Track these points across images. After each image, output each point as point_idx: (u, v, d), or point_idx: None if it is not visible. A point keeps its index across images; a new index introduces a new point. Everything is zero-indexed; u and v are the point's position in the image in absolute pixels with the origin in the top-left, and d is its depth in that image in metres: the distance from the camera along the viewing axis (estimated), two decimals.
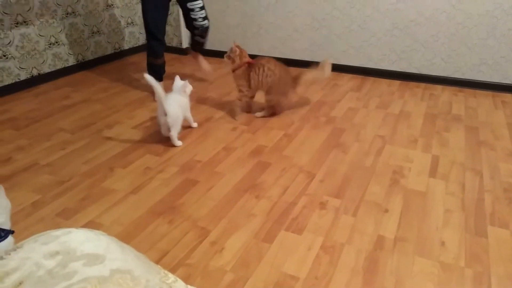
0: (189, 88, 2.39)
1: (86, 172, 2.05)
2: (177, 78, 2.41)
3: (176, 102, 2.26)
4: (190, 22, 2.86)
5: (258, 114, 2.67)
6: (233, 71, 2.61)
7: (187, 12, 2.80)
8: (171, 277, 0.91)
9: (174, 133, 2.26)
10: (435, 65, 3.19)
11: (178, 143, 2.29)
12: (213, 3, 3.80)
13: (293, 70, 2.73)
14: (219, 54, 3.94)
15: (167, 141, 2.33)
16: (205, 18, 2.84)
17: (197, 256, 1.50)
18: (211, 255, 1.51)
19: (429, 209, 1.76)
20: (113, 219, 1.71)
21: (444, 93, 3.04)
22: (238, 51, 2.55)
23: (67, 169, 2.08)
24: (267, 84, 2.53)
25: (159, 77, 2.98)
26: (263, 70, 2.51)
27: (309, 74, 2.62)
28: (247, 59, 2.58)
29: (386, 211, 1.75)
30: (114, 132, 2.46)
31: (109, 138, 2.39)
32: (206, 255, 1.51)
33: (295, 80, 2.62)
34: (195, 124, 2.51)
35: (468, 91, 3.09)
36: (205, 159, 2.16)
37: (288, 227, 1.66)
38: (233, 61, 2.58)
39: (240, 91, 2.62)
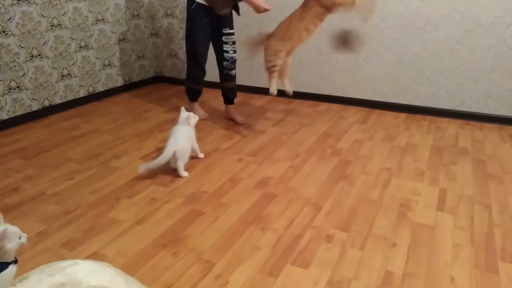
0: (194, 119, 2.42)
1: (92, 202, 2.05)
2: (183, 109, 2.46)
3: (183, 134, 2.30)
4: (221, 54, 2.99)
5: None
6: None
7: (220, 45, 2.96)
8: None
9: (181, 164, 2.28)
10: (441, 98, 3.21)
11: (184, 174, 2.31)
12: None
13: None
14: None
15: (173, 172, 2.34)
16: (235, 51, 3.03)
17: None
18: None
19: (437, 243, 1.73)
20: (117, 251, 1.69)
21: (450, 126, 3.05)
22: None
23: (74, 199, 2.08)
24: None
25: (194, 99, 3.24)
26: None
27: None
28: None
29: (394, 245, 1.72)
30: (122, 163, 2.48)
31: (116, 169, 2.41)
32: None
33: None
34: (201, 155, 2.53)
35: (475, 124, 3.09)
36: (211, 190, 2.16)
37: (294, 261, 1.63)
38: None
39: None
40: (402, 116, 3.29)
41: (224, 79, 3.10)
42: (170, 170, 2.37)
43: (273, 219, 1.91)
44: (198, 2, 2.77)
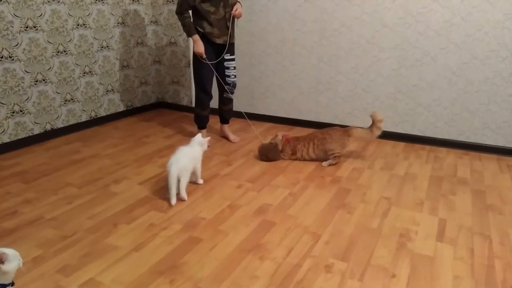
0: (206, 145, 2.55)
1: (90, 227, 2.04)
2: (199, 135, 2.56)
3: (187, 154, 2.36)
4: (223, 78, 3.16)
5: (325, 163, 2.86)
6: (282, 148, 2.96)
7: (222, 70, 3.15)
8: None
9: (183, 184, 2.30)
10: (439, 128, 3.24)
11: (186, 197, 2.33)
12: None
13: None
14: None
15: (176, 202, 2.34)
16: (236, 76, 3.25)
17: None
18: None
19: (437, 274, 1.71)
20: (113, 277, 1.67)
21: (449, 156, 3.06)
22: (278, 138, 2.93)
23: (71, 224, 2.07)
24: (325, 148, 2.86)
25: (203, 126, 3.32)
26: (314, 144, 2.88)
27: (359, 131, 2.87)
28: (287, 134, 2.99)
29: (394, 276, 1.70)
30: (121, 188, 2.48)
31: (115, 194, 2.40)
32: None
33: (346, 132, 2.86)
34: (201, 181, 2.53)
35: (473, 154, 3.11)
36: (210, 217, 2.16)
37: None
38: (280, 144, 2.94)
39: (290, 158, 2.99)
40: (401, 145, 3.31)
41: (224, 103, 3.32)
42: (169, 195, 2.36)
43: (272, 247, 1.89)
44: (201, 31, 2.95)
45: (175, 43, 4.11)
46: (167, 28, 4.10)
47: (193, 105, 4.23)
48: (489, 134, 3.08)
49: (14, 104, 3.03)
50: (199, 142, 2.51)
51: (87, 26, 3.48)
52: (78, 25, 3.39)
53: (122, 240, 1.94)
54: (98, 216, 2.15)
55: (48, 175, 2.64)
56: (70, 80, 3.42)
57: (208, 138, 2.62)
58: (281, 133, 2.96)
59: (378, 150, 3.20)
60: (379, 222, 2.12)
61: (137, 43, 4.04)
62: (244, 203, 2.31)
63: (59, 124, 3.40)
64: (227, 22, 2.98)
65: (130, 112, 4.08)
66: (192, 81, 4.13)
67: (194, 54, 3.05)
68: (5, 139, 3.01)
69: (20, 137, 3.10)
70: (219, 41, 3.00)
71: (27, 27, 3.01)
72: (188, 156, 2.35)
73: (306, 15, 3.47)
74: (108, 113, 3.85)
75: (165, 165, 2.82)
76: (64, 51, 3.32)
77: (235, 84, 3.23)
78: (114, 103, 3.89)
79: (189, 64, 4.08)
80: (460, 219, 2.16)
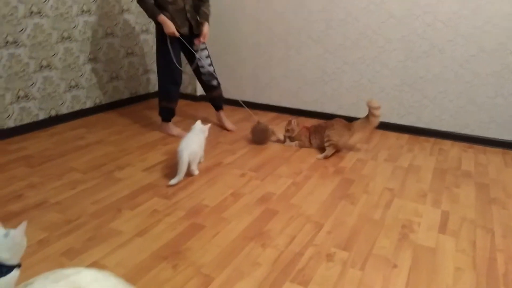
0: (207, 132, 2.63)
1: (94, 212, 2.06)
2: (199, 122, 2.63)
3: (195, 140, 2.46)
4: (197, 70, 3.18)
5: (319, 156, 2.83)
6: (294, 136, 3.00)
7: (195, 61, 3.12)
8: None
9: (193, 167, 2.45)
10: (444, 121, 3.23)
11: (196, 172, 2.48)
12: (228, 55, 3.97)
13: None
14: (233, 103, 4.06)
15: (176, 185, 2.35)
16: (211, 64, 3.17)
17: None
18: None
19: (439, 266, 1.72)
20: (117, 261, 1.69)
21: (453, 149, 3.05)
22: (294, 124, 2.96)
23: (76, 208, 2.09)
24: (324, 140, 2.87)
25: (169, 119, 3.22)
26: (321, 135, 2.90)
27: (357, 122, 2.88)
28: (304, 125, 3.02)
29: (395, 266, 1.71)
30: (125, 174, 2.49)
31: (119, 180, 2.42)
32: None
33: (347, 126, 2.86)
34: (196, 172, 2.51)
35: (478, 147, 3.10)
36: (213, 204, 2.17)
37: (293, 278, 1.62)
38: (293, 132, 2.98)
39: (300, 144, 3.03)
40: (405, 137, 3.30)
41: (208, 90, 3.28)
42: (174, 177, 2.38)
43: (274, 235, 1.90)
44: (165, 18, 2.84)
45: None
46: None
47: (197, 93, 4.22)
48: (494, 128, 3.07)
49: (19, 89, 3.03)
50: (201, 129, 2.58)
51: (92, 12, 3.46)
52: (83, 11, 3.38)
53: (126, 225, 1.95)
54: (102, 201, 2.16)
55: (53, 160, 2.66)
56: (75, 67, 3.42)
57: (209, 125, 2.66)
58: (294, 120, 2.96)
59: (382, 141, 3.19)
60: (381, 213, 2.12)
61: (142, 31, 4.02)
62: (247, 191, 2.32)
63: (64, 110, 3.40)
64: (187, 14, 2.92)
65: (134, 99, 4.08)
66: None
67: (160, 41, 2.93)
68: (10, 124, 3.02)
69: (25, 122, 3.12)
70: (180, 31, 2.92)
71: (31, 13, 3.00)
72: (197, 142, 2.45)
73: (312, 5, 3.44)
74: (112, 100, 3.85)
75: (169, 153, 2.83)
76: (69, 37, 3.32)
77: (211, 72, 3.16)
78: (118, 90, 3.89)
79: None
80: (463, 212, 2.16)
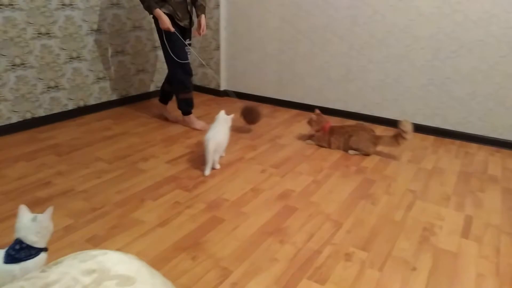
0: (230, 122, 2.70)
1: (118, 201, 2.12)
2: (223, 112, 2.69)
3: (221, 130, 2.54)
4: None
5: (351, 152, 2.85)
6: (316, 131, 2.97)
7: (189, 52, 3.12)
8: None
9: (216, 157, 2.52)
10: (471, 123, 3.15)
11: (218, 166, 2.54)
12: (252, 51, 3.98)
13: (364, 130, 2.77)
14: (255, 99, 4.08)
15: (197, 178, 2.39)
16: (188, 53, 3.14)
17: None
18: None
19: (460, 271, 1.69)
20: (139, 250, 1.74)
21: (480, 152, 2.98)
22: (316, 118, 2.94)
23: (101, 197, 2.16)
24: (349, 146, 2.86)
25: (191, 111, 3.25)
26: (344, 139, 2.86)
27: (385, 140, 2.80)
28: (328, 124, 2.94)
29: (414, 269, 1.69)
30: (149, 165, 2.55)
31: (143, 171, 2.47)
32: None
33: (377, 139, 2.81)
34: (218, 166, 2.55)
35: (506, 152, 3.01)
36: (233, 198, 2.19)
37: (311, 276, 1.63)
38: (314, 125, 2.96)
39: (319, 145, 3.01)
40: (430, 138, 3.24)
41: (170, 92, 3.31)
42: (194, 175, 2.42)
43: (293, 232, 1.91)
44: (166, 13, 2.85)
45: (206, 26, 4.12)
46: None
47: (221, 88, 4.26)
48: None
49: (50, 79, 3.13)
50: (225, 119, 2.65)
51: (120, 5, 3.54)
52: (112, 4, 3.45)
53: (148, 215, 2.00)
54: (126, 191, 2.22)
55: (80, 150, 2.74)
56: (103, 59, 3.50)
57: (232, 115, 2.71)
58: (317, 112, 2.95)
59: (406, 142, 3.13)
60: (403, 215, 2.10)
61: None
62: (267, 187, 2.34)
63: (92, 101, 3.50)
64: (187, 6, 2.93)
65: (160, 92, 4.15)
66: (222, 64, 4.14)
67: (162, 34, 2.92)
68: (41, 113, 3.13)
69: (55, 112, 3.22)
70: (182, 24, 2.93)
71: (63, 5, 3.09)
72: (222, 133, 2.53)
73: (339, 1, 3.40)
74: (138, 93, 3.92)
75: (192, 146, 2.87)
76: (99, 30, 3.40)
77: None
78: (144, 83, 3.97)
79: (218, 47, 4.09)
80: (488, 217, 2.11)
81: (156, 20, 2.90)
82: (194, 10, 3.08)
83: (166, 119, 3.43)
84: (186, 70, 3.06)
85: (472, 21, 2.95)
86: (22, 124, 3.01)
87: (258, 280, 1.59)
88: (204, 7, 3.04)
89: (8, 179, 2.29)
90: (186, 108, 3.21)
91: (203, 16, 3.02)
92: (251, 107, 3.12)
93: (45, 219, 1.33)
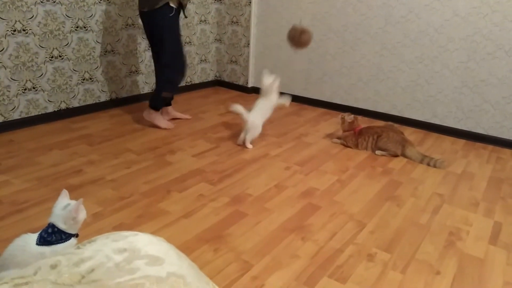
0: (275, 101, 2.78)
1: (145, 191, 2.18)
2: (266, 73, 2.72)
3: (259, 109, 2.66)
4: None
5: (379, 152, 2.82)
6: (343, 131, 2.96)
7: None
8: None
9: (248, 137, 2.70)
10: (505, 128, 3.04)
11: (249, 146, 2.72)
12: (281, 49, 3.98)
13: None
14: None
15: (222, 172, 2.42)
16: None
17: None
18: None
19: (486, 278, 1.65)
20: None
21: None
22: (351, 120, 2.89)
23: (129, 186, 2.22)
24: (378, 146, 2.84)
25: (160, 108, 3.14)
26: (373, 139, 2.84)
27: (413, 153, 2.77)
28: (359, 127, 2.92)
29: (438, 273, 1.66)
30: (176, 158, 2.60)
31: (170, 163, 2.53)
32: None
33: (403, 142, 2.79)
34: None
35: None
36: (256, 194, 2.21)
37: (331, 274, 1.62)
38: (345, 126, 2.93)
39: (345, 145, 2.98)
40: (461, 142, 3.15)
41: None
42: (219, 169, 2.45)
43: (315, 230, 1.91)
44: (175, 8, 2.79)
45: (237, 22, 4.15)
46: (230, 7, 4.15)
47: (249, 85, 4.28)
48: None
49: (85, 71, 3.25)
50: (270, 85, 2.75)
51: None
52: None
53: (174, 206, 2.05)
54: (153, 182, 2.28)
55: (111, 140, 2.83)
56: (136, 53, 3.59)
57: (276, 81, 2.77)
58: (353, 116, 2.93)
59: (436, 145, 3.07)
60: (428, 218, 2.06)
61: (200, 21, 4.13)
62: (291, 184, 2.34)
63: (123, 94, 3.60)
64: None
65: (189, 87, 4.22)
66: (251, 61, 4.17)
67: (171, 33, 2.84)
68: (75, 103, 3.25)
69: (88, 103, 3.33)
70: (184, 1, 2.84)
71: (100, 0, 3.19)
72: (260, 113, 2.66)
73: (373, 0, 3.35)
74: None
75: (218, 141, 2.91)
76: (132, 24, 3.49)
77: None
78: None
79: (248, 44, 4.12)
80: None
81: (161, 11, 2.75)
82: None
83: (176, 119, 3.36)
84: (183, 70, 3.02)
85: (511, 22, 2.84)
86: (57, 114, 3.14)
87: (279, 275, 1.60)
88: None
89: (43, 166, 2.39)
90: (158, 104, 3.12)
91: None
92: (298, 29, 2.79)
93: (73, 211, 1.37)
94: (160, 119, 3.13)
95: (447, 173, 2.59)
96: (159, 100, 3.09)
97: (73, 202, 1.38)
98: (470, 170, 2.65)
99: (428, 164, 2.67)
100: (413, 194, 2.30)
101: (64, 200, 1.39)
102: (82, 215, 1.40)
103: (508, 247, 1.86)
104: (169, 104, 3.30)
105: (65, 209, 1.37)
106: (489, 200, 2.27)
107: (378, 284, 1.58)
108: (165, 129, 3.09)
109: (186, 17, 3.14)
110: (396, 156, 2.79)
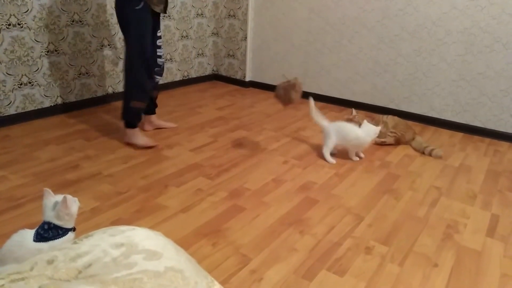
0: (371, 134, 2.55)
1: (142, 186, 2.17)
2: (366, 122, 2.58)
3: (339, 129, 2.56)
4: (154, 59, 2.67)
5: (378, 140, 2.84)
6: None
7: (154, 50, 2.64)
8: (217, 284, 0.96)
9: (325, 148, 2.61)
10: (503, 121, 3.04)
11: (329, 159, 2.58)
12: (278, 42, 3.96)
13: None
14: None
15: (220, 166, 2.42)
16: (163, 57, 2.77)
17: (235, 282, 1.52)
18: (250, 283, 1.51)
19: (483, 270, 1.65)
20: None
21: (510, 151, 2.88)
22: (356, 116, 2.92)
23: (126, 181, 2.22)
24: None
25: (136, 124, 2.64)
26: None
27: (417, 142, 2.85)
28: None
29: (436, 265, 1.67)
30: (173, 153, 2.60)
31: (167, 158, 2.52)
32: (245, 283, 1.52)
33: (410, 131, 2.88)
34: (356, 158, 2.63)
35: None
36: (254, 188, 2.21)
37: (330, 267, 1.63)
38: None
39: None
40: (459, 135, 3.15)
41: (156, 88, 2.84)
42: (217, 164, 2.45)
43: (313, 223, 1.91)
44: (145, 1, 2.40)
45: (234, 16, 4.13)
46: (227, 1, 4.12)
47: (246, 79, 4.26)
48: None
49: (81, 66, 3.22)
50: (367, 130, 2.52)
51: None
52: None
53: (171, 201, 2.05)
54: (150, 177, 2.27)
55: (108, 135, 2.82)
56: None
57: (379, 127, 2.55)
58: (355, 112, 2.95)
59: (434, 138, 3.07)
60: (426, 211, 2.06)
61: (197, 15, 4.10)
62: (289, 178, 2.34)
63: (120, 89, 3.58)
64: None
65: (186, 82, 4.20)
66: (248, 55, 4.15)
67: (136, 29, 2.43)
68: (72, 98, 3.23)
69: (85, 98, 3.32)
70: (157, 9, 2.48)
71: None
72: (334, 127, 2.56)
73: None
74: (165, 82, 3.98)
75: (216, 136, 2.90)
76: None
77: (164, 66, 2.77)
78: (171, 72, 4.02)
79: (245, 37, 4.10)
80: None
81: (130, 6, 2.39)
82: None
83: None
84: (151, 75, 2.60)
85: (509, 15, 2.83)
86: (53, 109, 3.12)
87: (277, 268, 1.60)
88: None
89: (39, 161, 2.38)
90: (133, 119, 2.61)
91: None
92: (285, 87, 2.51)
93: (63, 208, 1.36)
94: (138, 137, 2.63)
95: (444, 166, 2.59)
96: (131, 112, 2.59)
97: (58, 197, 1.37)
98: (468, 163, 2.66)
99: (423, 153, 2.75)
100: (411, 187, 2.31)
101: (50, 200, 1.38)
102: (75, 207, 1.40)
103: (505, 239, 1.86)
104: (153, 112, 2.91)
105: (55, 208, 1.37)
106: (486, 192, 2.28)
107: (376, 276, 1.58)
108: (147, 147, 2.62)
109: (159, 29, 2.67)
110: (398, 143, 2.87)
